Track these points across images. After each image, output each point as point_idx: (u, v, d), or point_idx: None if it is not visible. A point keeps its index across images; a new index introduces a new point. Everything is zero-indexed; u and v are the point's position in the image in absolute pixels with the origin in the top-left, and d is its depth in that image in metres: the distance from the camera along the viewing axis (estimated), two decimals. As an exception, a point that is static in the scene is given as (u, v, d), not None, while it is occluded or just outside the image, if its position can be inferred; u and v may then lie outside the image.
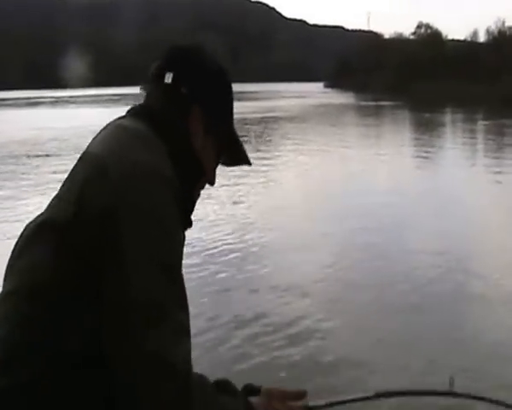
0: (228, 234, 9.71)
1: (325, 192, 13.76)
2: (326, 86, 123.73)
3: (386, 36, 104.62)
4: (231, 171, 15.05)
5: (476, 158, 19.32)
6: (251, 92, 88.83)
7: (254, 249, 8.87)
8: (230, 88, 1.53)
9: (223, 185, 13.50)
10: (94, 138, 1.37)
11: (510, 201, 12.42)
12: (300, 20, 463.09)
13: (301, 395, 1.55)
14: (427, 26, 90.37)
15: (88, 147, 1.34)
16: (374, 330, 5.96)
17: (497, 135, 26.57)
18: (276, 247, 9.06)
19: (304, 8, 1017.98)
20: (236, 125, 1.54)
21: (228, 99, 1.52)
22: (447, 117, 41.02)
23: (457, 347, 5.53)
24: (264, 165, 17.39)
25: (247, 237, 9.55)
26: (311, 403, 1.55)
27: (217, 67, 1.50)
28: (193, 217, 1.44)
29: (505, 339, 5.65)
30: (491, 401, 1.74)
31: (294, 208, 11.83)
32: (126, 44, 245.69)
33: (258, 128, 31.50)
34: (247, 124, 32.47)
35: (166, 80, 1.42)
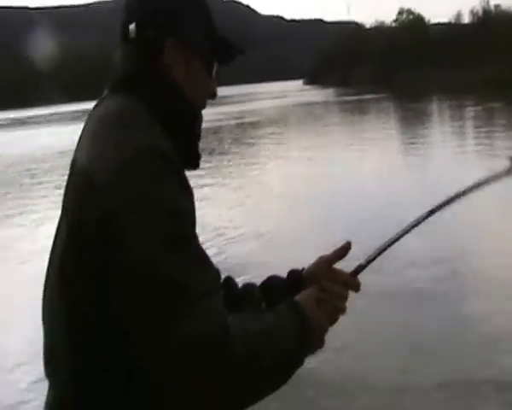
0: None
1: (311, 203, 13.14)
2: (306, 83, 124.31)
3: (368, 25, 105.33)
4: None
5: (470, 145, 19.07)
6: (225, 96, 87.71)
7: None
8: None
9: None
10: (80, 139, 1.37)
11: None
12: (277, 16, 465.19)
13: (346, 250, 1.51)
14: (409, 12, 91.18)
15: (74, 154, 1.35)
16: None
17: (487, 120, 26.58)
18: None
19: (280, 3, 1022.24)
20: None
21: (197, 7, 1.45)
22: (434, 106, 41.11)
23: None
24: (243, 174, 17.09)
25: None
26: (364, 258, 1.50)
27: None
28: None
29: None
30: None
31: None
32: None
33: (233, 136, 30.81)
34: (219, 132, 31.78)
35: (131, 34, 1.39)
